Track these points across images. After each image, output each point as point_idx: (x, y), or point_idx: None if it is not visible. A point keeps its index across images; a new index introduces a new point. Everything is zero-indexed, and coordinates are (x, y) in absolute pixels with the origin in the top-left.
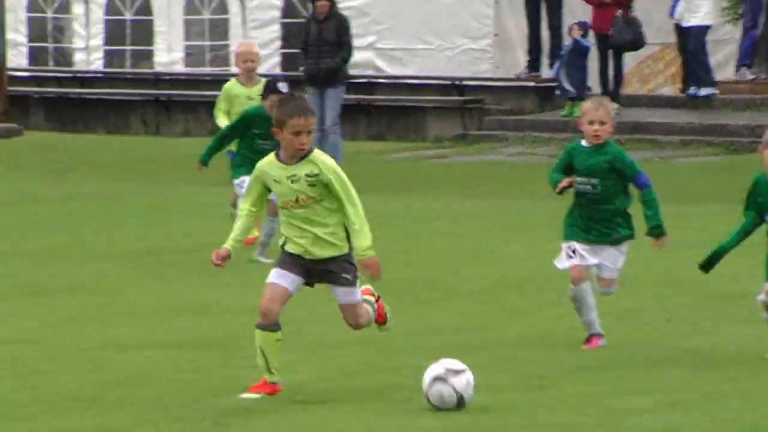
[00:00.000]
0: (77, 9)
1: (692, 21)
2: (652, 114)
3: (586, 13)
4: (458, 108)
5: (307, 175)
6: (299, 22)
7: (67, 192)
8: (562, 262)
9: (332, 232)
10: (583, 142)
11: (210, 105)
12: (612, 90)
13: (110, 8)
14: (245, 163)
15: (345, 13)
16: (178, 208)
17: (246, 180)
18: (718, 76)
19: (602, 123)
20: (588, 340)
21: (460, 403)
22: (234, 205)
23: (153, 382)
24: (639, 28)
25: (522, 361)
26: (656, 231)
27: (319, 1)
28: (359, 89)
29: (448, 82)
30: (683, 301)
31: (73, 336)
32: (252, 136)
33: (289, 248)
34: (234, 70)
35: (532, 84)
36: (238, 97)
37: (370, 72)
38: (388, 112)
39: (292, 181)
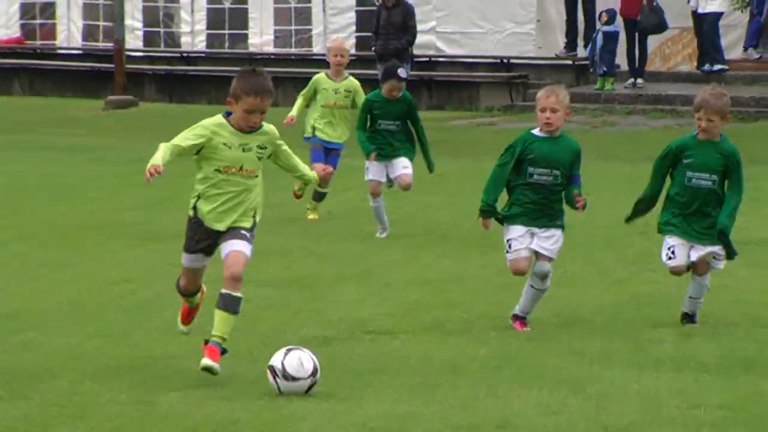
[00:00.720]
0: None
1: (708, 8)
2: (671, 87)
3: (615, 2)
4: (506, 83)
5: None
6: (371, 9)
7: None
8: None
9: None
10: (536, 131)
11: (294, 80)
12: (637, 67)
13: None
14: (372, 142)
15: (410, 1)
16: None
17: (371, 167)
18: (728, 55)
19: (554, 111)
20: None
21: (315, 373)
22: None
23: (246, 316)
24: (662, 14)
25: (557, 300)
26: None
27: None
28: (422, 66)
29: (498, 61)
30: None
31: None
32: (375, 117)
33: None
34: (315, 50)
35: (569, 62)
36: (325, 90)
37: (431, 52)
38: (447, 86)
39: (243, 150)
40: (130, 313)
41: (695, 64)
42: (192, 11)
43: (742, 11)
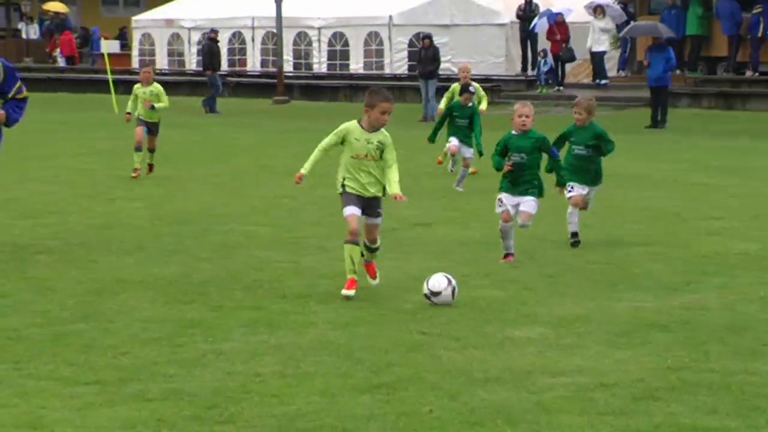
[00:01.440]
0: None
1: (598, 48)
2: (578, 92)
3: (548, 44)
4: (488, 89)
5: (378, 142)
6: (415, 49)
7: (308, 127)
8: (496, 209)
9: (379, 180)
10: (513, 131)
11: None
12: (560, 81)
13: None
14: (451, 131)
15: (436, 44)
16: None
17: (454, 140)
18: (609, 74)
19: (527, 116)
20: (504, 256)
21: (449, 282)
22: (447, 154)
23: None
24: (573, 51)
25: (540, 259)
26: (561, 183)
27: (425, 39)
28: (442, 80)
29: (484, 77)
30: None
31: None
32: (453, 117)
33: (350, 188)
34: (386, 71)
35: (523, 78)
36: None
37: (448, 73)
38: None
39: (367, 143)
40: None
41: (591, 79)
42: (319, 51)
43: (615, 49)
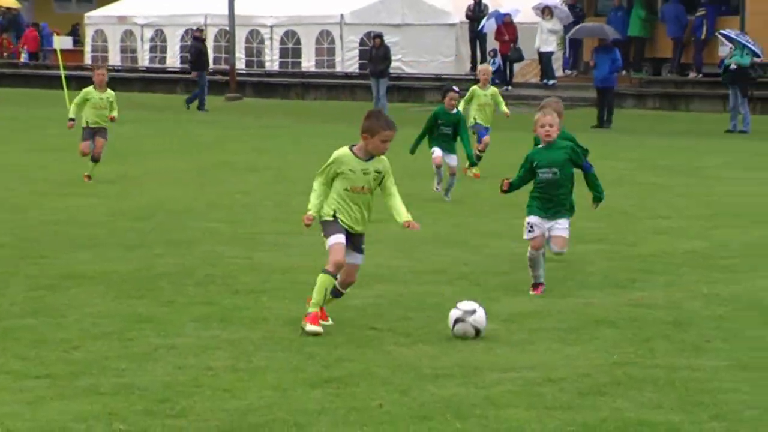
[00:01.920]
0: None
1: (545, 48)
2: (525, 90)
3: (497, 44)
4: (438, 88)
5: (376, 171)
6: (366, 48)
7: (265, 124)
8: (525, 235)
9: (368, 216)
10: (540, 145)
11: (325, 86)
12: (509, 80)
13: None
14: (434, 141)
15: (387, 44)
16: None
17: (437, 150)
18: (557, 74)
19: (551, 125)
20: (534, 287)
21: (478, 333)
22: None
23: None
24: (520, 52)
25: (492, 256)
26: (597, 199)
27: (376, 38)
28: (393, 79)
29: (434, 76)
30: None
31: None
32: (437, 125)
33: (342, 221)
34: (337, 69)
35: (472, 77)
36: (478, 96)
37: (399, 71)
38: (407, 90)
39: (364, 173)
40: None
41: (539, 79)
42: (271, 49)
43: (561, 50)
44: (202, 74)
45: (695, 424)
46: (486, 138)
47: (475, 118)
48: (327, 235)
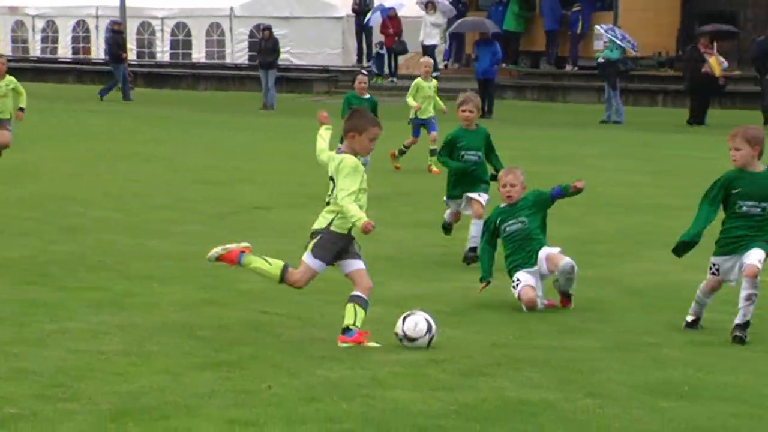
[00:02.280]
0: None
1: (429, 42)
2: (409, 83)
3: (381, 37)
4: (326, 79)
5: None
6: (255, 39)
7: (156, 114)
8: (515, 293)
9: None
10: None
11: (216, 77)
12: (394, 72)
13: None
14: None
15: (276, 36)
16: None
17: None
18: (439, 66)
19: (512, 185)
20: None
21: (429, 329)
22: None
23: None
24: (405, 44)
25: (379, 242)
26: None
27: (265, 31)
28: (282, 71)
29: (322, 68)
30: None
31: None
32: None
33: (336, 227)
34: (227, 61)
35: (359, 69)
36: (422, 89)
37: (287, 63)
38: (296, 81)
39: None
40: None
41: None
42: (162, 40)
43: (443, 42)
44: (119, 66)
45: (570, 401)
46: (434, 133)
47: (417, 113)
48: (318, 262)
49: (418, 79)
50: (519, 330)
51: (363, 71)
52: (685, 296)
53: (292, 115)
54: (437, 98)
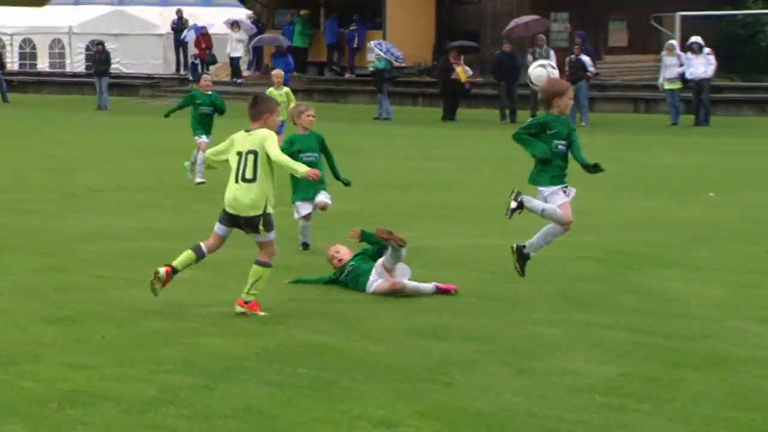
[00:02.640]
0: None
1: (235, 54)
2: (220, 87)
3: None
4: (149, 85)
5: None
6: (92, 52)
7: (6, 114)
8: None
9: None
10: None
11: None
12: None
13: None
14: (197, 123)
15: (108, 49)
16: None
17: (204, 138)
18: (244, 74)
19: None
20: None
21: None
22: None
23: None
24: (215, 57)
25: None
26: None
27: (99, 45)
28: (114, 78)
29: (147, 75)
30: None
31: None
32: (197, 106)
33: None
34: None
35: (177, 76)
36: (272, 94)
37: (119, 73)
38: (126, 87)
39: None
40: None
41: (230, 78)
42: (12, 53)
43: (247, 55)
44: None
45: (349, 342)
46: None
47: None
48: (273, 230)
49: (271, 89)
50: (313, 288)
51: (208, 72)
52: (444, 259)
53: (122, 114)
54: (293, 101)
